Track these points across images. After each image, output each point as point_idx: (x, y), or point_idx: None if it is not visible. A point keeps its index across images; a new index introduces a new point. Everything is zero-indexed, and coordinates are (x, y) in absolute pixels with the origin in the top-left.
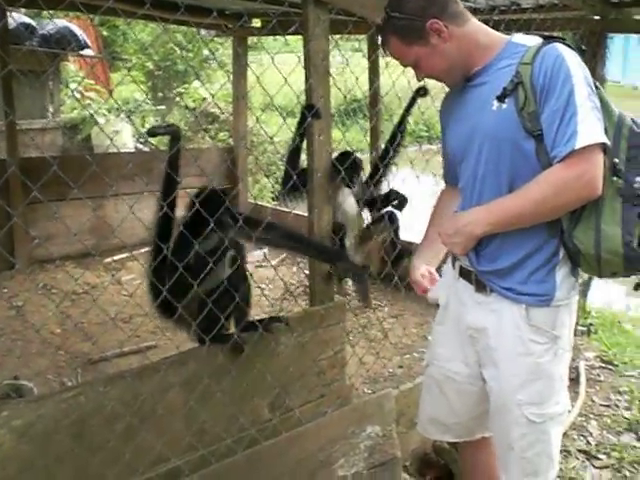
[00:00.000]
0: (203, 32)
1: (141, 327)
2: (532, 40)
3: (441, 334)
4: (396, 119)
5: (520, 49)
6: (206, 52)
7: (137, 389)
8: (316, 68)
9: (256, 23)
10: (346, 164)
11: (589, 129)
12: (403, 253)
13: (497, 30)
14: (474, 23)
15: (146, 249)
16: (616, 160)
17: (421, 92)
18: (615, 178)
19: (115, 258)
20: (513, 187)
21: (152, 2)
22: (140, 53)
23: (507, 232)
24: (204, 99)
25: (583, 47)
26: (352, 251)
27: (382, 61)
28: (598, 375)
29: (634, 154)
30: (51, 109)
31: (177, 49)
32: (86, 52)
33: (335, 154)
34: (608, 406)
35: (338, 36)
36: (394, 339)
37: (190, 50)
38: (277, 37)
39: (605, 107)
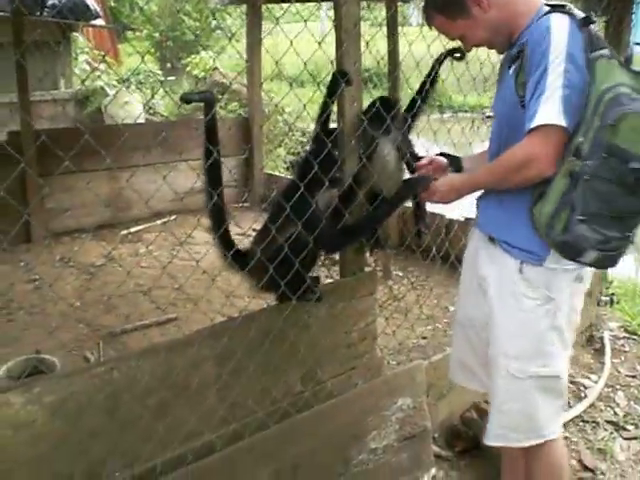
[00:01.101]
0: (216, 0)
1: (161, 299)
2: (550, 2)
3: (463, 281)
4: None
5: (541, 14)
6: (215, 22)
7: (170, 363)
8: (348, 33)
9: None
10: (385, 108)
11: (548, 109)
12: (425, 223)
13: None
14: None
15: (163, 220)
16: (581, 139)
17: (456, 54)
18: (573, 158)
19: (132, 230)
20: (511, 142)
21: None
22: (148, 24)
23: (502, 192)
24: (215, 69)
25: (592, 15)
26: None
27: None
28: (623, 345)
29: (597, 135)
30: (62, 80)
31: (185, 19)
32: (97, 22)
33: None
34: (634, 376)
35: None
36: (416, 310)
37: (198, 19)
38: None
39: (594, 82)
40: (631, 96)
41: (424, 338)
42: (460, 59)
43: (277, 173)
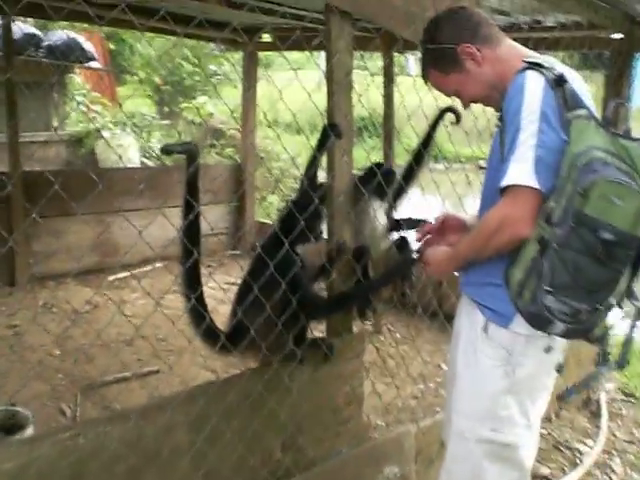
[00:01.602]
0: (213, 46)
1: (143, 350)
2: (529, 59)
3: (452, 336)
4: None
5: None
6: (213, 67)
7: (141, 429)
8: (339, 84)
9: (267, 38)
10: (378, 176)
11: (518, 169)
12: (410, 283)
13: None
14: (508, 44)
15: (150, 267)
16: (552, 204)
17: (447, 114)
18: (544, 223)
19: (119, 276)
20: None
21: (161, 15)
22: (147, 67)
23: None
24: (211, 114)
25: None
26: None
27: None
28: (620, 409)
29: (569, 201)
30: (55, 122)
31: (184, 63)
32: (92, 64)
33: (365, 166)
34: (631, 442)
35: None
36: (407, 366)
37: (197, 65)
38: (280, 55)
39: (569, 144)
40: (605, 160)
41: (414, 398)
42: (456, 123)
43: (269, 221)
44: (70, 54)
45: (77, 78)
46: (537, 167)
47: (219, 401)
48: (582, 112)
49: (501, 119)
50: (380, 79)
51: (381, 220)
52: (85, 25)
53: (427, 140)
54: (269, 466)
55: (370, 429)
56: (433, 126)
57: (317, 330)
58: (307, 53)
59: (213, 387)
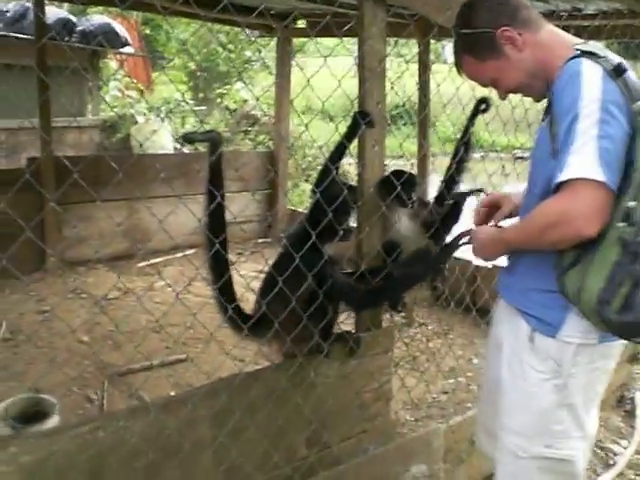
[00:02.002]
0: (247, 32)
1: (171, 337)
2: (581, 46)
3: (489, 339)
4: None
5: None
6: (248, 53)
7: (162, 423)
8: (372, 71)
9: (301, 24)
10: (400, 182)
11: (581, 161)
12: (442, 276)
13: None
14: (549, 29)
15: (181, 254)
16: (631, 203)
17: (482, 106)
18: (622, 224)
19: (148, 262)
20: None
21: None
22: (182, 53)
23: (518, 253)
24: (245, 101)
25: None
26: None
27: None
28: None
29: None
30: (90, 107)
31: (220, 49)
32: (126, 50)
33: (387, 172)
34: None
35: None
36: (438, 361)
37: (232, 51)
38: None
39: None
40: None
41: (445, 393)
42: (484, 111)
43: (301, 209)
44: (104, 39)
45: (111, 63)
46: (602, 159)
47: (243, 395)
48: None
49: (547, 111)
50: (415, 66)
51: (407, 223)
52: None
53: (466, 132)
54: (293, 463)
55: (399, 425)
56: (471, 118)
57: (345, 324)
58: (341, 39)
59: (236, 380)
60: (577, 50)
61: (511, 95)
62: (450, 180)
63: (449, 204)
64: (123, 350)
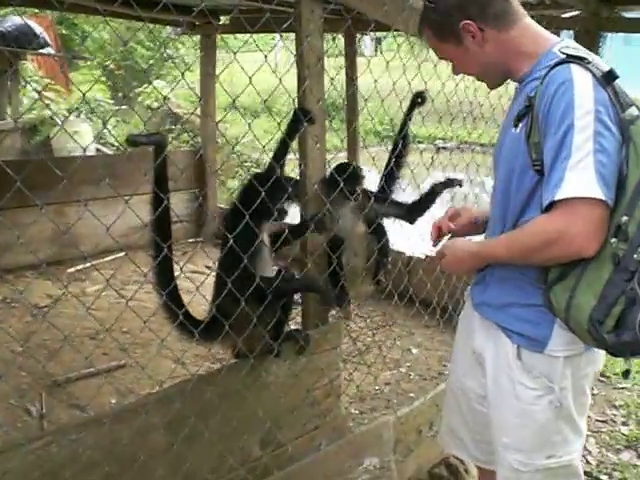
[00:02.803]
0: (169, 30)
1: (109, 344)
2: (567, 50)
3: (457, 344)
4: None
5: (550, 61)
6: (169, 51)
7: (116, 434)
8: (310, 69)
9: (224, 20)
10: (344, 175)
11: (579, 178)
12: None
13: None
14: (523, 25)
15: (111, 257)
16: (624, 218)
17: (419, 99)
18: (614, 240)
19: (78, 268)
20: (518, 222)
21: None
22: (100, 52)
23: (499, 267)
24: (166, 99)
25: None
26: (353, 270)
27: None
28: (591, 388)
29: None
30: (9, 110)
31: (138, 47)
32: (46, 51)
33: (331, 166)
34: (605, 422)
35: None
36: (377, 352)
37: (151, 48)
38: (237, 36)
39: (636, 148)
40: None
41: (387, 384)
42: (420, 104)
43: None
44: (23, 40)
45: (29, 65)
46: (599, 175)
47: (196, 400)
48: (636, 111)
49: (520, 118)
50: (333, 61)
51: (350, 216)
52: (35, 10)
53: (404, 127)
54: (248, 464)
55: (349, 420)
56: (408, 112)
57: (292, 323)
58: (251, 35)
59: (189, 386)
60: (562, 53)
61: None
62: (390, 175)
63: (424, 193)
64: (60, 359)
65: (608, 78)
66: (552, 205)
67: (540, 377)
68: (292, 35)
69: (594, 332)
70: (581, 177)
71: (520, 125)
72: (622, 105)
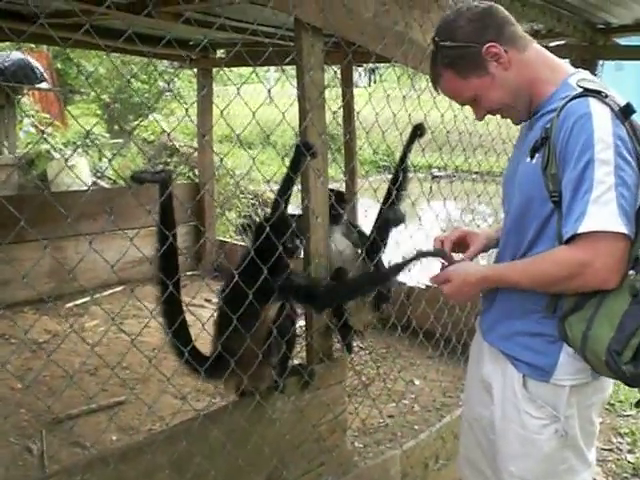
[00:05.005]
0: (166, 63)
1: (109, 380)
2: (584, 83)
3: (469, 375)
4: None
5: (568, 93)
6: (163, 84)
7: (121, 474)
8: (312, 103)
9: (221, 54)
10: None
11: (601, 212)
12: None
13: None
14: (536, 49)
15: (110, 291)
16: None
17: (419, 131)
18: (632, 272)
19: (77, 303)
20: (531, 251)
21: (110, 33)
22: (96, 86)
23: (509, 294)
24: (163, 132)
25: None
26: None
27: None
28: (600, 417)
29: None
30: (6, 144)
31: (133, 81)
32: (43, 85)
33: None
34: (611, 450)
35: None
36: (381, 384)
37: (146, 82)
38: (232, 69)
39: None
40: None
41: (390, 417)
42: (420, 136)
43: (228, 238)
44: (20, 75)
45: (26, 99)
46: (621, 209)
47: (202, 439)
48: None
49: (536, 149)
50: (328, 92)
51: (341, 239)
52: (32, 45)
53: (404, 158)
54: None
55: (355, 455)
56: (408, 144)
57: (296, 358)
58: (254, 68)
59: (195, 425)
60: (579, 86)
61: (446, 118)
62: (390, 207)
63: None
64: (59, 395)
65: (626, 112)
66: (573, 237)
67: (545, 406)
68: (286, 66)
69: (612, 363)
70: (603, 211)
71: (537, 156)
72: (638, 138)
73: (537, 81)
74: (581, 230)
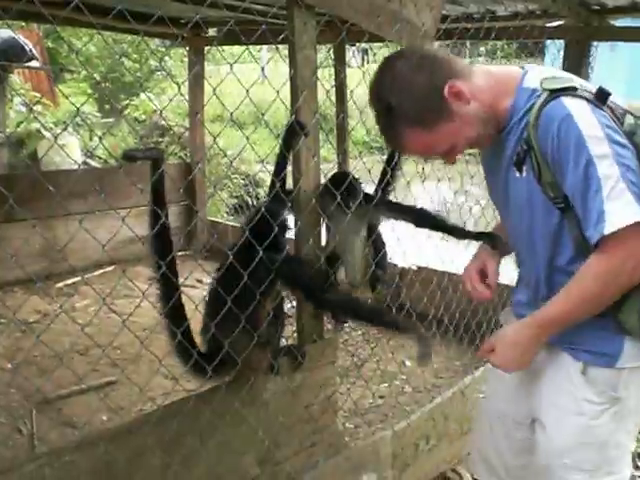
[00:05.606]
0: (157, 42)
1: (99, 360)
2: (540, 79)
3: (495, 376)
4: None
5: (532, 99)
6: (155, 63)
7: (111, 455)
8: (305, 81)
9: (212, 32)
10: (342, 188)
11: (619, 206)
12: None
13: (476, 39)
14: (480, 70)
15: (100, 271)
16: None
17: None
18: None
19: (67, 282)
20: (555, 257)
21: (101, 10)
22: (86, 64)
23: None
24: (154, 111)
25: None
26: (350, 283)
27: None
28: None
29: None
30: None
31: (124, 59)
32: (33, 64)
33: (328, 176)
34: None
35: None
36: (372, 366)
37: (138, 60)
38: (225, 48)
39: None
40: None
41: (381, 397)
42: None
43: (219, 219)
44: (11, 54)
45: (16, 78)
46: (635, 196)
47: (194, 420)
48: (631, 119)
49: (520, 162)
50: (321, 72)
51: (349, 228)
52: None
53: (391, 157)
54: None
55: (346, 435)
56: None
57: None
58: (247, 47)
59: (186, 405)
60: (545, 90)
61: None
62: (386, 187)
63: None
64: (49, 375)
65: (601, 97)
66: (601, 240)
67: (606, 390)
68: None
69: None
70: (620, 204)
71: (524, 168)
72: (619, 118)
73: (495, 100)
74: (607, 232)
